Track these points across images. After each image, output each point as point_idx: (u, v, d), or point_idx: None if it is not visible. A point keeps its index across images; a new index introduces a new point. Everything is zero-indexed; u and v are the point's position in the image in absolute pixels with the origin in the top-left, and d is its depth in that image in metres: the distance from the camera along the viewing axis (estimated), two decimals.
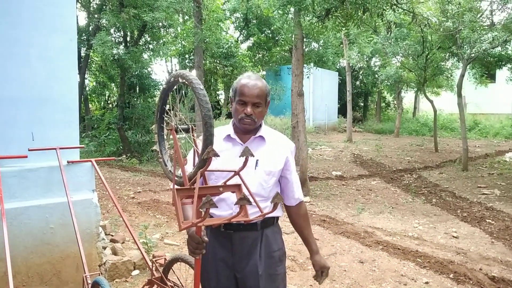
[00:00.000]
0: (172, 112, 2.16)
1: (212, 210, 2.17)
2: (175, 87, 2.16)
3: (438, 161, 13.08)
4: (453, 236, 6.05)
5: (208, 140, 1.85)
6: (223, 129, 2.30)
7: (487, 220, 6.79)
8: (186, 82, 1.96)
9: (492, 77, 22.13)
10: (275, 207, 1.78)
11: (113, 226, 5.95)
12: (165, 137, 2.24)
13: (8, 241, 3.07)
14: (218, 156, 1.81)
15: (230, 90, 2.30)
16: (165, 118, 2.18)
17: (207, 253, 2.21)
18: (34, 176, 3.85)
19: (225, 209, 2.18)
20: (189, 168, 2.10)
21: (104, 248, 4.53)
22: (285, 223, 6.56)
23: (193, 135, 2.09)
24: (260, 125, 2.29)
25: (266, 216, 1.96)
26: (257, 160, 2.18)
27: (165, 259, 3.39)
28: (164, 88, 2.17)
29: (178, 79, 2.02)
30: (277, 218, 2.34)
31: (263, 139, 2.26)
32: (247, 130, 2.23)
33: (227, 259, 2.24)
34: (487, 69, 15.69)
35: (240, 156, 1.84)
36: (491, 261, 5.11)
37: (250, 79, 2.20)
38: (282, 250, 2.33)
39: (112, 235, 5.31)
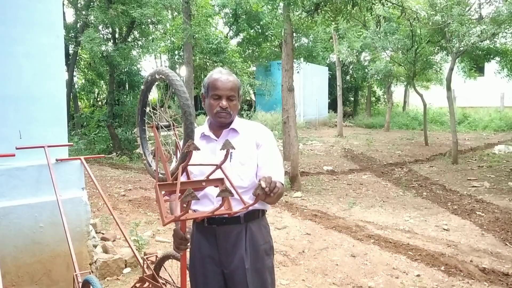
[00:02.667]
0: (152, 110, 2.17)
1: (196, 206, 2.20)
2: (153, 87, 2.17)
3: (428, 155, 13.15)
4: (444, 229, 6.08)
5: (189, 129, 1.87)
6: (199, 129, 2.33)
7: (477, 213, 6.83)
8: (163, 77, 1.98)
9: (480, 70, 22.29)
10: (258, 199, 1.78)
11: (103, 224, 5.91)
12: (147, 138, 2.24)
13: None
14: (199, 149, 1.83)
15: (201, 87, 2.31)
16: (146, 120, 2.19)
17: (194, 250, 2.24)
18: (22, 175, 3.82)
19: (207, 204, 2.19)
20: (172, 165, 2.11)
21: (95, 246, 4.50)
22: (276, 218, 6.58)
23: (174, 132, 2.09)
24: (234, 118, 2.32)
25: (250, 208, 1.96)
26: (231, 153, 2.16)
27: (156, 256, 3.38)
28: (143, 89, 2.18)
29: (155, 76, 2.05)
30: (263, 211, 2.32)
31: (236, 131, 2.28)
32: (223, 124, 2.26)
33: (213, 255, 2.24)
34: (475, 62, 15.81)
35: (221, 149, 1.87)
36: (482, 253, 5.14)
37: (222, 74, 2.25)
38: (269, 244, 2.32)
39: (103, 233, 5.28)
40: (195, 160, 1.99)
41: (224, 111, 2.20)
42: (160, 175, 2.04)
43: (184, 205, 1.63)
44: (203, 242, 2.25)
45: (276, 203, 7.26)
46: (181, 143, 1.99)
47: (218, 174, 1.98)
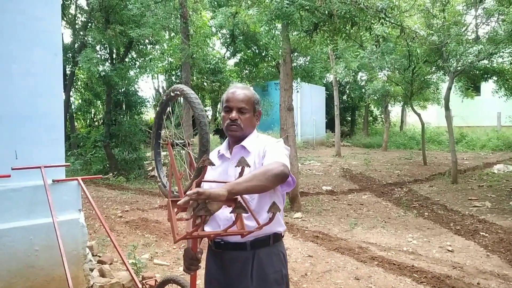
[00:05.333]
0: (166, 128, 2.11)
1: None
2: (168, 109, 2.10)
3: (428, 174, 13.07)
4: (448, 250, 5.96)
5: (204, 139, 1.80)
6: (217, 148, 2.26)
7: (481, 233, 6.72)
8: (178, 92, 1.92)
9: (477, 90, 22.36)
10: (272, 219, 1.67)
11: (100, 246, 5.76)
12: (162, 161, 2.17)
13: None
14: (213, 165, 1.74)
15: (219, 106, 2.23)
16: (161, 143, 2.12)
17: (204, 270, 2.14)
18: (17, 196, 3.71)
19: (214, 226, 2.10)
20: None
21: (91, 270, 4.36)
22: None
23: (189, 149, 2.01)
24: (250, 135, 2.20)
25: (261, 234, 1.86)
26: (239, 172, 2.08)
27: (155, 280, 3.26)
28: (158, 111, 2.11)
29: (170, 94, 1.98)
30: (275, 237, 2.16)
31: (246, 150, 2.15)
32: (235, 138, 2.17)
33: (220, 278, 2.14)
34: (472, 82, 15.83)
35: (236, 166, 1.78)
36: (488, 275, 5.02)
37: (237, 88, 2.19)
38: (281, 272, 2.15)
39: (99, 256, 5.13)
40: (207, 179, 1.90)
41: (234, 123, 2.11)
42: (175, 193, 1.95)
43: (197, 222, 1.53)
44: (211, 264, 2.18)
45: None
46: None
47: None
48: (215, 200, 1.56)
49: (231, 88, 2.20)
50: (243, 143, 2.16)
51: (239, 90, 2.16)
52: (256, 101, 2.20)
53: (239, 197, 1.83)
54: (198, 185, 1.84)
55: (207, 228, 2.10)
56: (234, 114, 2.11)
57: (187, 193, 1.54)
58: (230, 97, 2.14)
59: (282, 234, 2.22)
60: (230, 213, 1.61)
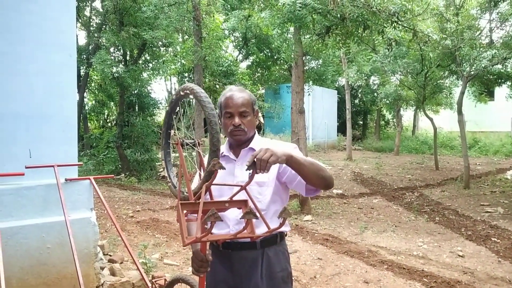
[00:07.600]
0: (177, 126, 2.12)
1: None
2: (177, 108, 2.11)
3: (439, 179, 12.97)
4: (459, 255, 5.92)
5: (215, 138, 1.81)
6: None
7: (493, 239, 6.66)
8: (188, 92, 1.93)
9: (490, 95, 22.13)
10: (283, 223, 1.71)
11: (111, 245, 5.82)
12: (172, 161, 2.19)
13: (2, 262, 2.96)
14: (224, 168, 1.75)
15: (217, 108, 2.22)
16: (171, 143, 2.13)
17: (207, 275, 2.13)
18: (31, 194, 3.76)
19: (223, 227, 2.11)
20: (195, 184, 2.04)
21: (102, 268, 4.41)
22: (286, 242, 6.44)
23: (199, 149, 2.02)
24: (254, 136, 2.22)
25: (271, 233, 1.87)
26: (249, 174, 2.09)
27: (165, 280, 3.29)
28: (167, 110, 2.12)
29: (179, 93, 1.99)
30: (281, 236, 2.21)
31: (254, 150, 2.13)
32: (240, 142, 2.18)
33: (228, 280, 2.14)
34: (486, 86, 15.68)
35: (246, 170, 1.78)
36: (499, 281, 4.98)
37: (233, 91, 2.18)
38: (287, 271, 2.20)
39: (110, 255, 5.19)
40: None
41: (238, 128, 2.11)
42: (185, 194, 1.96)
43: (206, 226, 1.55)
44: (217, 267, 2.15)
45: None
46: (205, 160, 1.91)
47: (239, 196, 1.90)
48: (276, 161, 1.75)
49: (227, 92, 2.18)
50: (252, 146, 2.17)
51: (237, 93, 2.15)
52: (254, 102, 2.20)
53: (250, 202, 1.85)
54: (208, 188, 1.86)
55: (215, 229, 2.10)
56: (237, 120, 2.11)
57: (253, 153, 1.71)
58: (230, 102, 2.12)
59: (286, 232, 2.25)
60: (241, 218, 1.63)
